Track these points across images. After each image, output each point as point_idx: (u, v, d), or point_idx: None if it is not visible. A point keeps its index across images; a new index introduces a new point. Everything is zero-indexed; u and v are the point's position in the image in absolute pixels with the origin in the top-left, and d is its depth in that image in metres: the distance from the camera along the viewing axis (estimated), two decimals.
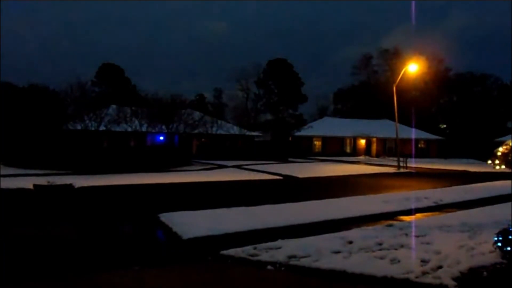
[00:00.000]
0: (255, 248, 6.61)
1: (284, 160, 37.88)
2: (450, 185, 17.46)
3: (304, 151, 46.98)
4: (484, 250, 6.29)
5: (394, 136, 33.74)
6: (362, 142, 50.10)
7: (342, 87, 66.85)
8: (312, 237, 7.40)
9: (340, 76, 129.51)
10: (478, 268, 5.61)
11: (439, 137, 53.96)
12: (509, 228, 5.96)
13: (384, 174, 24.59)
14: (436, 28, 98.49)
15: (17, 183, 15.48)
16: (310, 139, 48.96)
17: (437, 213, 10.86)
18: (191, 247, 7.14)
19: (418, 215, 10.36)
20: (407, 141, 42.97)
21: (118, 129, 31.41)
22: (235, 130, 42.83)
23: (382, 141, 50.43)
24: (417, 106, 48.98)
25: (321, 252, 6.40)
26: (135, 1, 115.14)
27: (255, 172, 23.63)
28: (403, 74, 29.08)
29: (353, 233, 7.79)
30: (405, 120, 43.08)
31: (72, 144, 25.91)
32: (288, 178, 20.95)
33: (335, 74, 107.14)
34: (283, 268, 5.85)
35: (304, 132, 48.41)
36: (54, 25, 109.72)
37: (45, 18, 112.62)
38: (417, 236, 7.54)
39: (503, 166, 28.60)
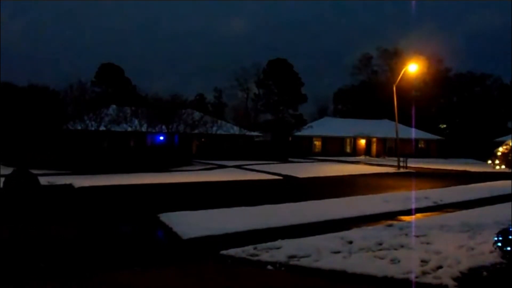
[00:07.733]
0: (255, 248, 6.62)
1: (284, 160, 37.85)
2: (450, 185, 17.44)
3: (304, 151, 46.93)
4: (484, 250, 6.29)
5: (394, 136, 33.73)
6: (362, 142, 50.09)
7: (342, 87, 66.90)
8: (312, 237, 7.40)
9: (340, 76, 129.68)
10: (478, 268, 5.61)
11: (439, 137, 53.94)
12: (509, 228, 5.96)
13: (384, 174, 24.58)
14: (436, 28, 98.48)
15: None
16: (310, 139, 48.94)
17: (437, 213, 10.86)
18: (191, 247, 7.14)
19: (418, 215, 10.36)
20: (407, 141, 42.96)
21: (118, 129, 31.37)
22: (235, 130, 42.78)
23: (382, 141, 50.40)
24: (417, 106, 48.87)
25: (321, 252, 6.40)
26: (134, 1, 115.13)
27: (255, 172, 23.63)
28: (403, 74, 29.08)
29: (353, 233, 7.79)
30: (405, 120, 43.04)
31: (72, 144, 25.89)
32: (288, 178, 20.94)
33: (335, 74, 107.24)
34: (283, 268, 5.85)
35: (304, 132, 48.39)
36: (54, 24, 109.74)
37: (45, 18, 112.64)
38: (417, 236, 7.54)
39: (503, 166, 28.73)
